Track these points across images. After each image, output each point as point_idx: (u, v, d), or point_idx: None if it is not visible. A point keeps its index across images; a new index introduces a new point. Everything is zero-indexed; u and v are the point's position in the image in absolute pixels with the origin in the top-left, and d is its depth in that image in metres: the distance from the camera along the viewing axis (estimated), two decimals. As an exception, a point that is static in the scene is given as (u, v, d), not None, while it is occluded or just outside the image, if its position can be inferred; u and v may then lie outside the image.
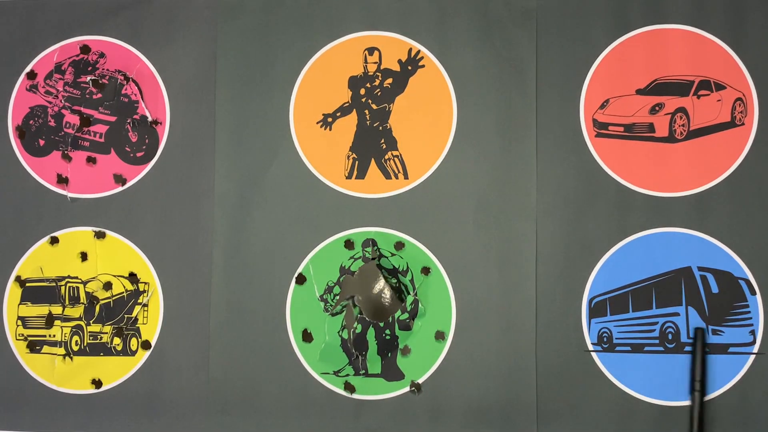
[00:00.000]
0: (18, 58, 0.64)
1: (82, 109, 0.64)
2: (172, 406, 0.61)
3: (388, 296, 0.59)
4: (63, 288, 0.62)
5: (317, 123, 0.62)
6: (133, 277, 0.62)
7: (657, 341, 0.58)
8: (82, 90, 0.64)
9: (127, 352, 0.62)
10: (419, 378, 0.59)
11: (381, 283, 0.60)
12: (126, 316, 0.62)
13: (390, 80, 0.62)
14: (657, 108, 0.60)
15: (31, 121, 0.64)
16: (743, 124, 0.59)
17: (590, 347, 0.59)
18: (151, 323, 0.61)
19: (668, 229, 0.59)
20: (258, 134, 0.62)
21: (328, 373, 0.60)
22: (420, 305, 0.60)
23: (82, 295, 0.62)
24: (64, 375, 0.62)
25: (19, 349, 0.62)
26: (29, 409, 0.62)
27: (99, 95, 0.63)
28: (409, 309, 0.60)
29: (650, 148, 0.59)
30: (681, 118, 0.59)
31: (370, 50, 0.62)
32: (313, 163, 0.61)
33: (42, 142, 0.64)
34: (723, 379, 0.58)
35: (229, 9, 0.62)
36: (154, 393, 0.61)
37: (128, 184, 0.63)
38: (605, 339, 0.58)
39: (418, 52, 0.62)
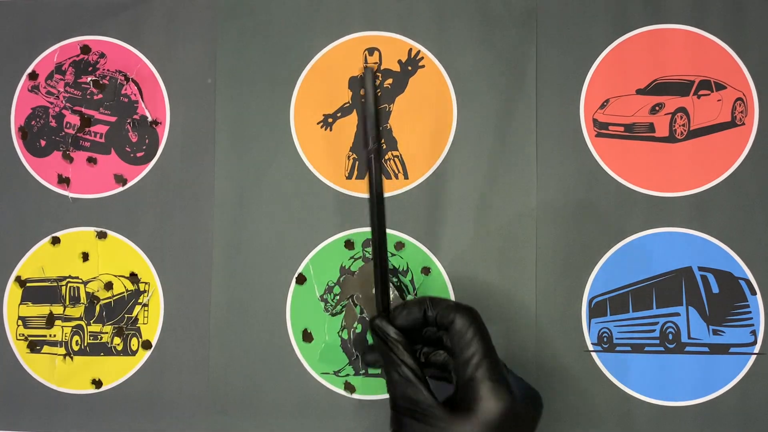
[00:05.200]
0: (19, 58, 0.64)
1: (82, 109, 0.64)
2: (172, 406, 0.61)
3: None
4: (63, 288, 0.62)
5: (318, 123, 0.62)
6: (133, 277, 0.62)
7: (657, 341, 0.58)
8: (83, 90, 0.64)
9: (127, 352, 0.62)
10: (419, 378, 0.59)
11: (381, 283, 0.60)
12: (126, 315, 0.62)
13: (390, 81, 0.62)
14: (657, 108, 0.60)
15: (32, 122, 0.64)
16: (743, 124, 0.59)
17: (590, 347, 0.58)
18: (152, 323, 0.61)
19: (668, 229, 0.59)
20: (258, 134, 0.62)
21: (328, 373, 0.60)
22: (420, 305, 0.60)
23: (83, 295, 0.62)
24: (64, 375, 0.62)
25: (19, 349, 0.62)
26: (29, 409, 0.62)
27: (100, 96, 0.64)
28: (408, 309, 0.60)
29: (650, 148, 0.59)
30: (681, 118, 0.59)
31: (370, 50, 0.62)
32: (314, 163, 0.61)
33: (43, 143, 0.64)
34: (724, 379, 0.58)
35: (229, 9, 0.63)
36: (155, 393, 0.61)
37: (129, 184, 0.63)
38: (605, 339, 0.58)
39: (418, 52, 0.62)
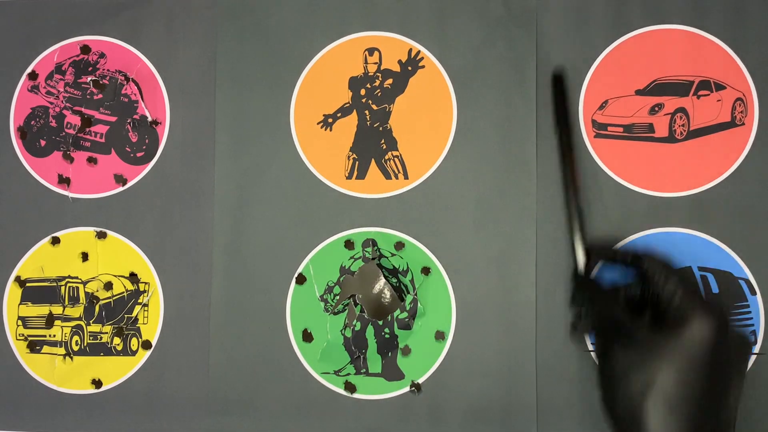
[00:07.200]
0: (19, 58, 0.64)
1: (83, 109, 0.64)
2: (172, 406, 0.61)
3: (388, 296, 0.59)
4: (63, 288, 0.62)
5: (318, 123, 0.62)
6: (133, 277, 0.62)
7: (657, 341, 0.58)
8: (83, 90, 0.64)
9: (127, 352, 0.62)
10: (419, 378, 0.59)
11: (381, 283, 0.60)
12: (126, 316, 0.62)
13: (390, 81, 0.62)
14: (657, 108, 0.60)
15: (32, 122, 0.64)
16: (743, 124, 0.59)
17: (590, 347, 0.58)
18: (152, 323, 0.62)
19: (668, 229, 0.59)
20: (258, 134, 0.62)
21: (328, 373, 0.60)
22: (419, 305, 0.60)
23: (82, 295, 0.62)
24: (64, 375, 0.62)
25: (19, 349, 0.62)
26: (29, 409, 0.62)
27: (100, 96, 0.64)
28: (408, 308, 0.60)
29: (650, 148, 0.59)
30: (681, 118, 0.59)
31: (370, 51, 0.62)
32: (314, 163, 0.61)
33: (43, 143, 0.64)
34: (723, 379, 0.58)
35: (229, 9, 0.63)
36: (155, 393, 0.61)
37: (129, 184, 0.63)
38: (605, 339, 0.58)
39: (418, 52, 0.62)
